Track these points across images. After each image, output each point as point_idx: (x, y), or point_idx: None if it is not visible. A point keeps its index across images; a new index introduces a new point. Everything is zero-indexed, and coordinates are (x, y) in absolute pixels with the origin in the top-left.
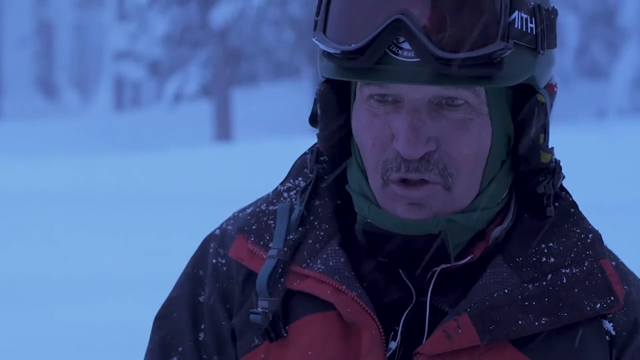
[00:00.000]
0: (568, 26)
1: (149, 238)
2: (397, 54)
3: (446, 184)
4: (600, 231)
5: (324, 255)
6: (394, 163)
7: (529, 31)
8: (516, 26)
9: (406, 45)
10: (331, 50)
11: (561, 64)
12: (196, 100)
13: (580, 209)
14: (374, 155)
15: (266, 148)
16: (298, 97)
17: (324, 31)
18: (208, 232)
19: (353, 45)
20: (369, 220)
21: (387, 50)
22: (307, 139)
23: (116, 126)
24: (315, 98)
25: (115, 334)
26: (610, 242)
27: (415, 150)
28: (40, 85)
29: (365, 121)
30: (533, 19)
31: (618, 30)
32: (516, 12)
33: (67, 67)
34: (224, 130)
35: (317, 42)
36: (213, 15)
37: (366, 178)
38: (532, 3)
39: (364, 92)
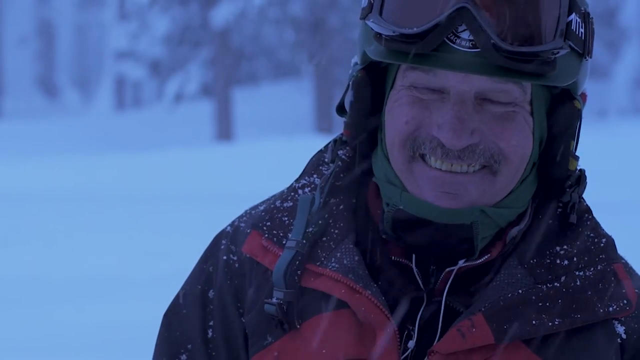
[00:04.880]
0: None
1: (149, 238)
2: (454, 43)
3: (492, 168)
4: None
5: (338, 254)
6: (427, 143)
7: (580, 35)
8: (572, 28)
9: (465, 35)
10: (389, 33)
11: None
12: (197, 100)
13: None
14: (403, 132)
15: (267, 148)
16: (299, 97)
17: (380, 13)
18: (208, 232)
19: (415, 28)
20: (400, 207)
21: (444, 38)
22: (308, 138)
23: (117, 126)
24: (348, 85)
25: (116, 334)
26: None
27: (460, 141)
28: (41, 85)
29: (403, 101)
30: (583, 24)
31: (618, 30)
32: (573, 14)
33: (68, 67)
34: (224, 130)
35: (372, 24)
36: (214, 15)
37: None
38: (583, 9)
39: (407, 79)
